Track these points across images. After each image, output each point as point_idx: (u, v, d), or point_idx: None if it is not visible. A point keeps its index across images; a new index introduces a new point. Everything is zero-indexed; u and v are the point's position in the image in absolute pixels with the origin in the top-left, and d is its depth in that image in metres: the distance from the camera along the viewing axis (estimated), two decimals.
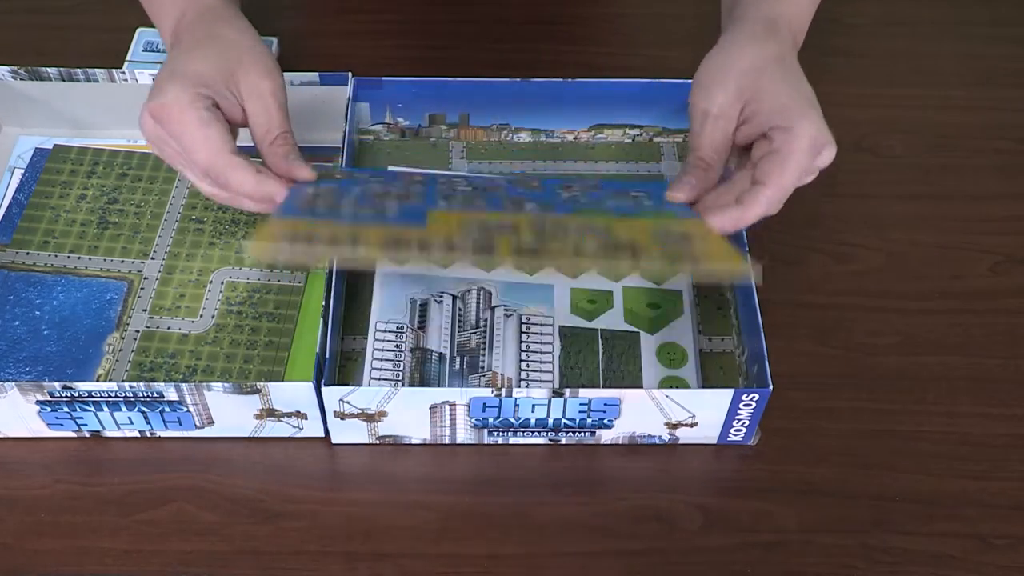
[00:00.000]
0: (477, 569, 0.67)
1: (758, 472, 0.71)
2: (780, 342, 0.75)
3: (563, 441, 0.72)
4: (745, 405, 0.68)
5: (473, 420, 0.70)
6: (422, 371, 0.73)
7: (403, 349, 0.74)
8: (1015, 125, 0.92)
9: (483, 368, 0.73)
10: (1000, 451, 0.72)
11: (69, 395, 0.68)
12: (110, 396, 0.68)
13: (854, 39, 0.99)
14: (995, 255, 0.83)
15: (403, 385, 0.72)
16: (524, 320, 0.75)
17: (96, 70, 0.83)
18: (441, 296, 0.76)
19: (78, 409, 0.69)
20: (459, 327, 0.75)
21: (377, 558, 0.67)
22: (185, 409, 0.69)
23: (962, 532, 0.69)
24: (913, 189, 0.87)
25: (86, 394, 0.68)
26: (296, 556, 0.67)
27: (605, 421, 0.70)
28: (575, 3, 1.02)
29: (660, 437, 0.72)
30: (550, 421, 0.70)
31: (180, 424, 0.70)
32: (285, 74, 0.82)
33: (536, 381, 0.73)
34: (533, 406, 0.68)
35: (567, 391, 0.67)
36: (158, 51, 0.92)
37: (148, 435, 0.72)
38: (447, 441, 0.72)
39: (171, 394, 0.68)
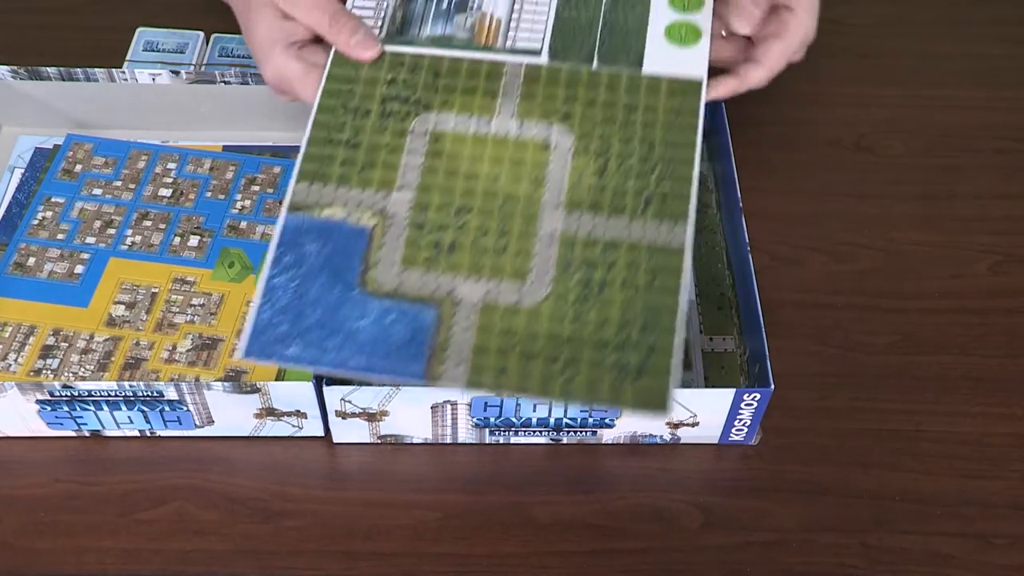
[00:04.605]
0: (477, 569, 0.67)
1: (758, 471, 0.71)
2: (780, 342, 0.75)
3: (564, 440, 0.72)
4: (746, 405, 0.68)
5: (475, 420, 0.70)
6: (406, 14, 0.70)
7: None
8: (1015, 125, 0.92)
9: (471, 8, 0.70)
10: (1000, 451, 0.73)
11: (69, 394, 0.68)
12: (110, 395, 0.68)
13: (854, 39, 0.99)
14: (995, 255, 0.83)
15: (382, 28, 0.70)
16: None
17: (96, 70, 0.83)
18: None
19: (78, 408, 0.69)
20: None
21: (377, 558, 0.67)
22: (185, 408, 0.69)
23: (962, 532, 0.69)
24: (913, 189, 0.87)
25: (86, 393, 0.68)
26: (296, 556, 0.67)
27: (606, 420, 0.70)
28: None
29: (661, 436, 0.72)
30: (551, 420, 0.70)
31: (180, 423, 0.70)
32: None
33: (527, 25, 0.70)
34: (535, 405, 0.68)
35: None
36: (158, 51, 0.92)
37: (148, 434, 0.72)
38: (448, 440, 0.72)
39: (171, 393, 0.68)
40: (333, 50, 0.70)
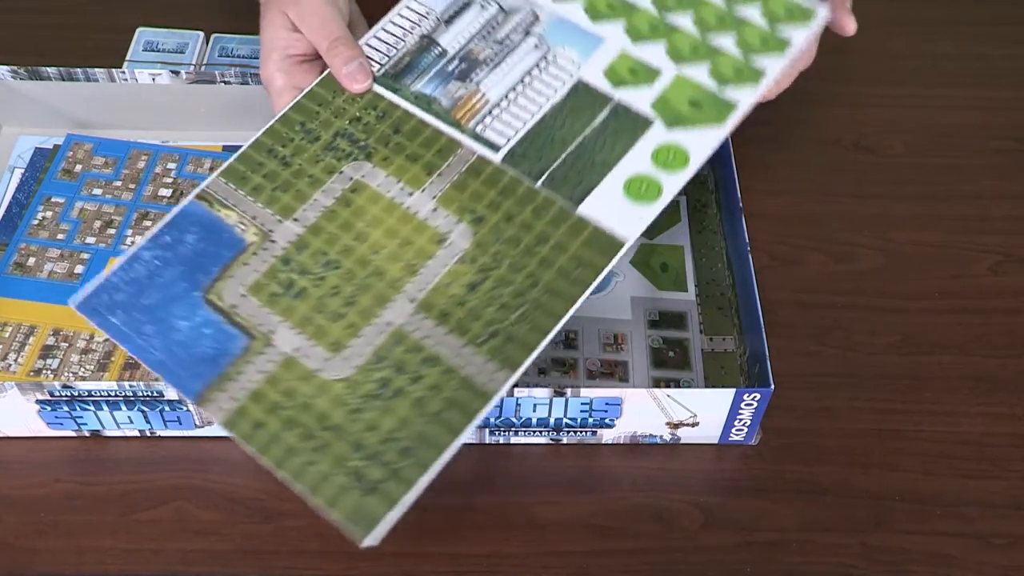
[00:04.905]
0: (477, 568, 0.67)
1: (758, 471, 0.71)
2: (780, 342, 0.75)
3: (564, 440, 0.72)
4: (746, 405, 0.68)
5: None
6: (412, 60, 0.70)
7: (413, 32, 0.71)
8: (1015, 125, 0.92)
9: (470, 83, 0.69)
10: (1000, 451, 0.73)
11: (69, 394, 0.68)
12: (110, 395, 0.68)
13: (854, 39, 0.99)
14: (995, 255, 0.83)
15: (384, 67, 0.70)
16: (545, 58, 0.70)
17: (96, 70, 0.83)
18: (491, 2, 0.72)
19: (78, 408, 0.69)
20: (485, 36, 0.71)
21: (377, 558, 0.67)
22: (185, 408, 0.69)
23: (962, 532, 0.69)
24: (913, 189, 0.87)
25: (86, 393, 0.68)
26: (296, 556, 0.67)
27: (606, 420, 0.70)
28: None
29: (661, 437, 0.72)
30: (551, 420, 0.70)
31: (180, 423, 0.70)
32: None
33: (506, 119, 0.68)
34: (535, 405, 0.68)
35: (568, 391, 0.67)
36: (158, 51, 0.92)
37: (148, 434, 0.72)
38: None
39: (171, 393, 0.68)
40: (327, 71, 0.70)
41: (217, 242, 0.65)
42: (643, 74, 0.68)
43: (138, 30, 0.94)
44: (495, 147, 0.67)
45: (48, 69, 0.83)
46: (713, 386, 0.74)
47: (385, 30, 0.72)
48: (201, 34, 0.93)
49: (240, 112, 0.85)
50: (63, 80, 0.83)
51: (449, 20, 0.72)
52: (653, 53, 0.69)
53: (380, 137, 0.68)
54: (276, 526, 0.68)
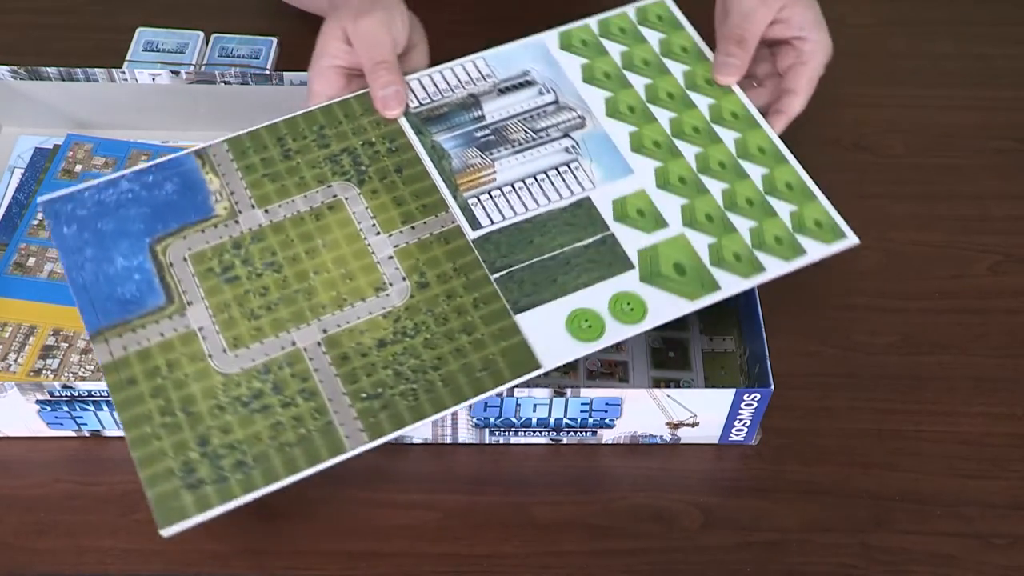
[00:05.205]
0: (477, 569, 0.67)
1: (758, 472, 0.71)
2: (780, 342, 0.75)
3: (564, 441, 0.72)
4: (747, 405, 0.68)
5: (474, 420, 0.70)
6: (449, 112, 0.71)
7: (466, 87, 0.72)
8: (1015, 125, 0.92)
9: (487, 156, 0.69)
10: (1000, 451, 0.73)
11: (69, 394, 0.68)
12: (110, 396, 0.68)
13: (854, 39, 0.99)
14: (995, 255, 0.83)
15: (422, 107, 0.71)
16: (569, 164, 0.69)
17: (96, 70, 0.82)
18: (551, 91, 0.72)
19: (78, 408, 0.69)
20: (527, 119, 0.71)
21: (377, 558, 0.67)
22: None
23: (962, 532, 0.69)
24: (913, 189, 0.87)
25: (86, 393, 0.68)
26: (296, 556, 0.67)
27: (606, 421, 0.70)
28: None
29: (662, 437, 0.72)
30: (551, 421, 0.70)
31: None
32: (285, 74, 0.82)
33: (501, 204, 0.67)
34: (535, 406, 0.68)
35: (568, 391, 0.67)
36: (158, 51, 0.92)
37: None
38: (448, 441, 0.72)
39: None
40: (366, 89, 0.71)
41: (190, 201, 0.66)
42: (649, 219, 0.67)
43: (138, 30, 0.94)
44: (476, 224, 0.67)
45: (48, 69, 0.83)
46: (713, 386, 0.74)
47: (441, 74, 0.72)
48: (201, 34, 0.93)
49: (240, 112, 0.85)
50: (63, 80, 0.83)
51: (504, 91, 0.72)
52: (669, 204, 0.68)
53: (380, 169, 0.68)
54: (276, 526, 0.68)
